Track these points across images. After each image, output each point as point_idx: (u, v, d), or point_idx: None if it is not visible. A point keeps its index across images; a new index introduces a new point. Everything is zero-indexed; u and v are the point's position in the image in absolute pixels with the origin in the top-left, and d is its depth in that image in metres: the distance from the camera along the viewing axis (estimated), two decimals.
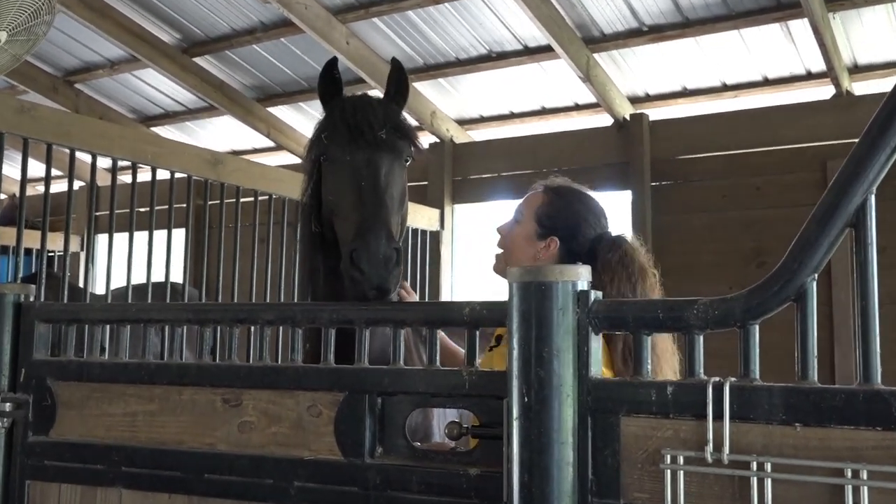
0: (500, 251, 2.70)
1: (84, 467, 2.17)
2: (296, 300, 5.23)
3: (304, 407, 1.97)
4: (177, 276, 5.62)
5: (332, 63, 2.54)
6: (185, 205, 4.90)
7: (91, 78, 7.70)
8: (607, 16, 5.66)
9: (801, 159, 5.71)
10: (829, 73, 5.53)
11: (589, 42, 5.92)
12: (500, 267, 2.68)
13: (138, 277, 4.65)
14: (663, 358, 2.32)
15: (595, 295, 1.57)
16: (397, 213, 2.39)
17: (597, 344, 1.56)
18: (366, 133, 2.37)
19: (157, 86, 7.69)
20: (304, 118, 7.85)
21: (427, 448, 2.12)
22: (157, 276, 4.86)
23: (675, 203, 6.16)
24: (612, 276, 2.39)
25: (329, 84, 2.54)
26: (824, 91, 5.98)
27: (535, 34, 5.95)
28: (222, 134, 8.34)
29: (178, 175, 4.76)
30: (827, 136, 5.65)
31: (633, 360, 2.37)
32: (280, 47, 6.75)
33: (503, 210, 7.33)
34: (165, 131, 8.29)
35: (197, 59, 7.09)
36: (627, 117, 6.40)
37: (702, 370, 1.46)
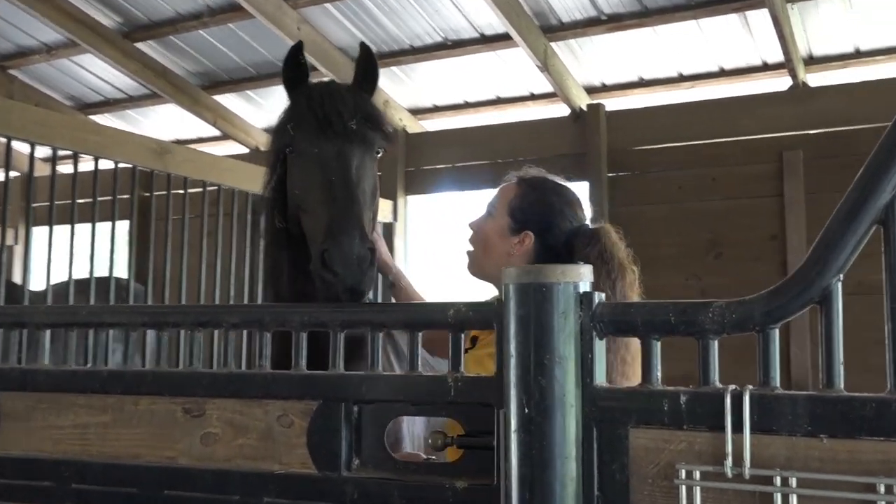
0: (471, 248, 2.57)
1: (30, 485, 1.99)
2: (260, 299, 5.07)
3: (273, 417, 1.82)
4: (121, 270, 5.39)
5: (298, 48, 2.38)
6: (129, 196, 4.68)
7: (27, 63, 7.36)
8: (566, 3, 5.57)
9: (757, 150, 5.70)
10: (787, 65, 5.52)
11: (547, 31, 5.82)
12: (474, 266, 2.56)
13: (80, 272, 4.43)
14: (637, 360, 2.23)
15: (598, 297, 1.45)
16: (369, 209, 2.25)
17: (601, 350, 1.44)
18: (335, 123, 2.23)
19: (96, 72, 7.38)
20: (251, 107, 7.62)
21: (407, 459, 1.99)
22: (100, 270, 4.64)
23: (632, 194, 6.11)
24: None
25: (294, 70, 2.38)
26: (780, 82, 5.98)
27: (493, 22, 5.83)
28: (165, 122, 8.05)
29: (122, 165, 4.53)
30: (783, 127, 5.65)
31: (622, 366, 2.30)
32: (227, 33, 6.51)
33: (457, 201, 7.23)
34: (105, 119, 7.97)
35: (139, 45, 6.81)
36: (584, 107, 6.33)
37: (717, 378, 1.36)
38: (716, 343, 1.36)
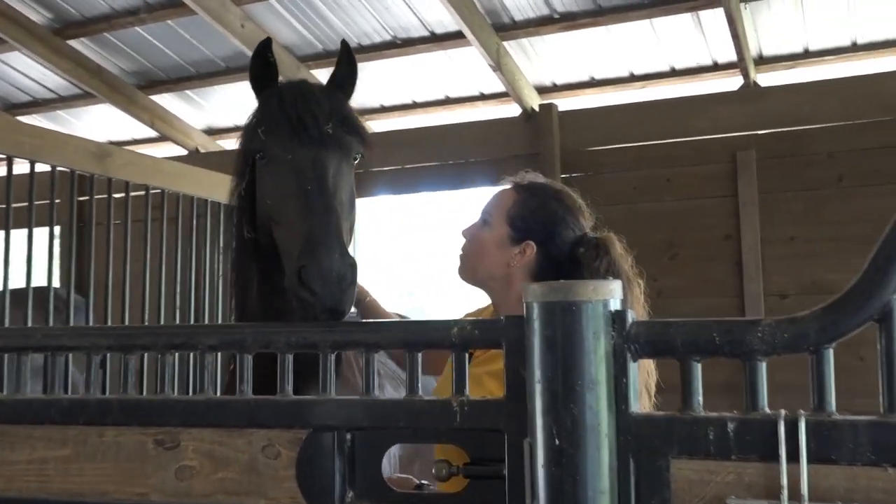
0: (462, 253, 2.43)
1: None
2: (219, 314, 4.84)
3: (257, 447, 1.66)
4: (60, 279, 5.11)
5: (266, 44, 2.21)
6: (66, 200, 4.42)
7: None
8: (519, 2, 5.47)
9: (710, 151, 5.69)
10: (740, 64, 5.52)
11: (499, 29, 5.72)
12: (467, 271, 2.42)
13: (16, 281, 4.16)
14: (651, 378, 2.13)
15: (631, 315, 1.33)
16: (348, 221, 2.10)
17: (635, 373, 1.32)
18: (310, 127, 2.06)
19: (24, 71, 7.02)
20: (190, 108, 7.35)
21: (397, 484, 1.85)
22: (38, 279, 4.37)
23: (586, 195, 6.00)
24: None
25: (263, 68, 2.21)
26: (730, 82, 5.99)
27: (444, 20, 5.71)
28: (99, 123, 7.72)
29: (59, 168, 4.27)
30: (736, 127, 5.65)
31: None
32: (166, 30, 6.24)
33: (405, 204, 7.08)
34: (34, 121, 7.59)
35: (71, 42, 6.49)
36: (536, 107, 6.24)
37: (766, 403, 1.25)
38: (764, 365, 1.25)
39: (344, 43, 2.31)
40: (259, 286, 2.24)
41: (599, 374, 1.29)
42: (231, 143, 8.04)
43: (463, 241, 2.43)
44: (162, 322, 4.83)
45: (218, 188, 5.37)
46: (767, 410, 1.24)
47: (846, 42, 5.56)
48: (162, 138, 7.55)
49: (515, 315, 1.50)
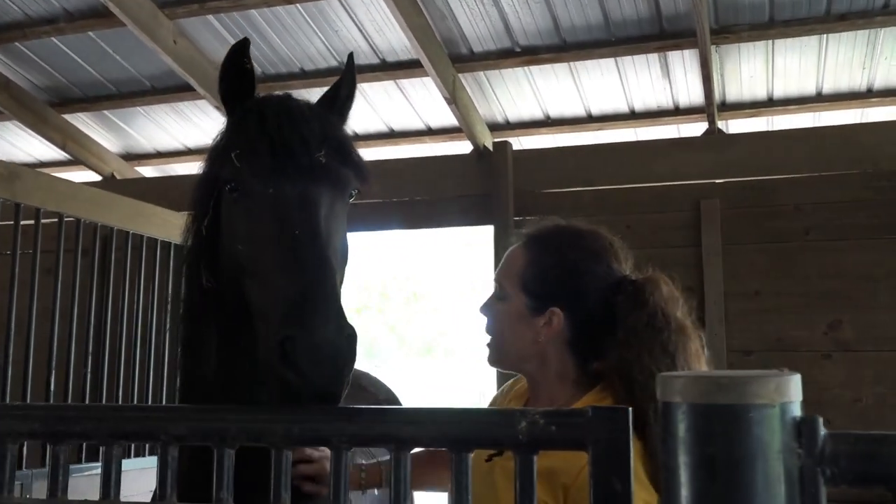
0: (489, 338, 2.00)
1: None
2: (162, 385, 4.21)
3: None
4: None
5: (243, 46, 1.74)
6: None
7: None
8: (480, 32, 5.12)
9: (673, 198, 5.41)
10: (707, 109, 5.28)
11: (455, 60, 5.35)
12: (495, 359, 2.00)
13: None
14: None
15: (821, 426, 0.93)
16: (341, 273, 1.65)
17: None
18: (298, 154, 1.62)
19: None
20: (108, 129, 6.75)
21: None
22: None
23: None
24: (640, 346, 1.75)
25: (238, 78, 1.75)
26: (691, 128, 5.77)
27: (396, 47, 5.32)
28: (2, 143, 7.02)
29: None
30: (700, 174, 5.39)
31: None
32: (86, 42, 5.66)
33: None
34: None
35: None
36: (488, 145, 5.88)
37: None
38: None
39: (351, 56, 1.89)
40: (219, 351, 1.76)
41: None
42: (151, 171, 7.45)
43: (483, 320, 2.00)
44: (71, 366, 4.24)
45: (142, 218, 4.82)
46: None
47: (811, 91, 5.40)
48: (74, 162, 6.89)
49: (607, 407, 1.11)
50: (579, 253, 1.91)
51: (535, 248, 1.95)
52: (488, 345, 1.99)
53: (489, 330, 1.98)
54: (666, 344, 1.75)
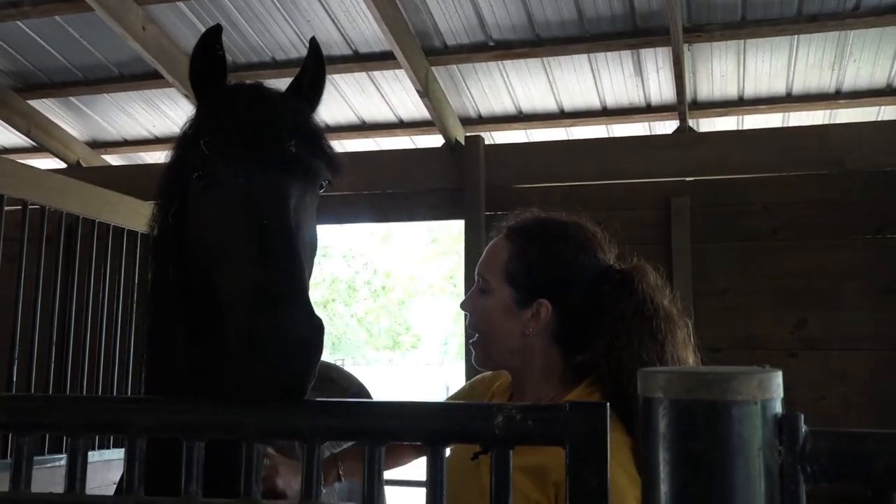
0: (474, 336, 1.95)
1: None
2: (139, 383, 4.14)
3: None
4: None
5: (216, 31, 1.69)
6: None
7: None
8: (454, 25, 5.10)
9: (643, 195, 5.43)
10: (678, 108, 5.31)
11: (429, 53, 5.32)
12: (482, 358, 1.95)
13: None
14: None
15: (802, 423, 0.92)
16: (310, 265, 1.62)
17: None
18: (269, 143, 1.58)
19: None
20: (74, 116, 6.63)
21: None
22: None
23: None
24: (629, 334, 1.73)
25: (208, 65, 1.70)
26: (662, 126, 5.80)
27: (369, 38, 5.28)
28: None
29: None
30: (670, 172, 5.41)
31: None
32: (52, 27, 5.55)
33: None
34: None
35: None
36: (460, 139, 5.86)
37: None
38: None
39: (313, 41, 1.84)
40: (186, 342, 1.72)
41: None
42: (117, 160, 7.34)
43: (468, 317, 1.96)
44: (34, 358, 4.16)
45: (108, 207, 4.74)
46: None
47: (781, 91, 5.44)
48: (38, 149, 6.77)
49: (584, 402, 1.10)
50: (565, 243, 1.88)
51: (519, 239, 1.92)
52: (474, 343, 1.94)
53: (474, 326, 1.93)
54: (655, 332, 1.74)
